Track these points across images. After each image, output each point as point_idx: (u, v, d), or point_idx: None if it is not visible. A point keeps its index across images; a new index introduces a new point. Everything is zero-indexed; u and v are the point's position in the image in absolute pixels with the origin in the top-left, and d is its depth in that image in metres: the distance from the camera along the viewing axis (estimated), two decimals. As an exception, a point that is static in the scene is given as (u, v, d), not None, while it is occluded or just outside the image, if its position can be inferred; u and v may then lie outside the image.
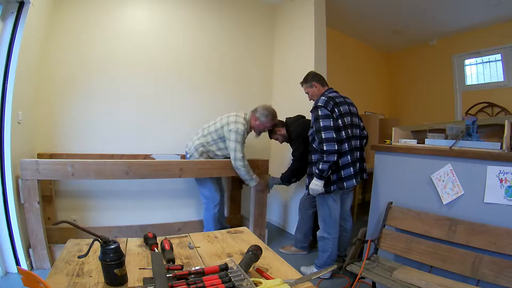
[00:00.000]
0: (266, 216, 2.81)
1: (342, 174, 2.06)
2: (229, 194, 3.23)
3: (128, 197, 2.79)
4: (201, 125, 2.73)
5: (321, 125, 1.99)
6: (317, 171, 2.01)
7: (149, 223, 2.79)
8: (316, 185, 2.03)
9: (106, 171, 2.15)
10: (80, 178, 2.13)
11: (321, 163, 1.97)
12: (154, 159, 2.71)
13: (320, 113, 2.02)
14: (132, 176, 2.21)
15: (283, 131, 2.72)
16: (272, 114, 2.55)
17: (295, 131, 2.62)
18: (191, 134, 2.72)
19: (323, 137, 1.97)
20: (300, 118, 2.75)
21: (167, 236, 1.10)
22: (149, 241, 1.03)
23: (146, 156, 2.79)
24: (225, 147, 2.49)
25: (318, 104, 2.05)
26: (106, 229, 2.58)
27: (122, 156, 2.67)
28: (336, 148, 1.95)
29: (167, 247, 0.97)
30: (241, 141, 2.42)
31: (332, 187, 2.07)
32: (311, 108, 2.13)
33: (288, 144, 2.78)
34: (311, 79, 2.28)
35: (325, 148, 1.95)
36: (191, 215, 3.08)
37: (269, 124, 2.56)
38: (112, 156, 2.64)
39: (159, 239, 1.05)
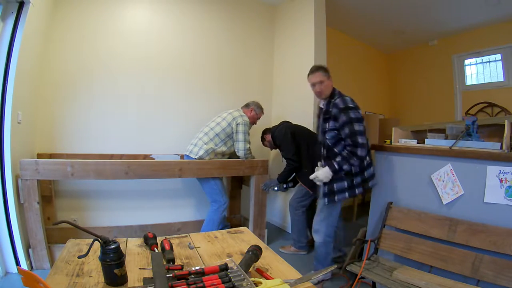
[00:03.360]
0: (266, 216, 2.81)
1: (365, 174, 2.04)
2: (229, 194, 3.23)
3: (128, 197, 2.79)
4: (201, 125, 2.73)
5: (357, 129, 1.89)
6: (337, 166, 1.92)
7: (149, 223, 2.79)
8: (327, 177, 1.95)
9: (106, 171, 2.15)
10: (79, 178, 2.13)
11: (347, 164, 1.91)
12: (154, 159, 2.71)
13: (354, 116, 1.91)
14: (131, 176, 2.21)
15: (269, 137, 2.88)
16: (262, 107, 2.87)
17: (278, 137, 2.72)
18: (191, 134, 2.73)
19: (359, 141, 1.88)
20: (283, 123, 2.84)
21: (167, 236, 1.10)
22: (149, 241, 1.03)
23: (146, 156, 2.79)
24: (232, 144, 2.62)
25: (349, 105, 1.93)
26: (106, 229, 2.58)
27: (121, 156, 2.67)
28: (365, 154, 1.93)
29: (167, 247, 0.97)
30: (248, 132, 2.64)
31: (357, 190, 2.00)
32: (339, 108, 1.93)
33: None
34: (327, 70, 2.08)
35: (359, 154, 1.89)
36: (191, 215, 3.08)
37: (261, 115, 2.88)
38: (111, 156, 2.64)
39: (159, 239, 1.05)
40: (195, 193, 3.03)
